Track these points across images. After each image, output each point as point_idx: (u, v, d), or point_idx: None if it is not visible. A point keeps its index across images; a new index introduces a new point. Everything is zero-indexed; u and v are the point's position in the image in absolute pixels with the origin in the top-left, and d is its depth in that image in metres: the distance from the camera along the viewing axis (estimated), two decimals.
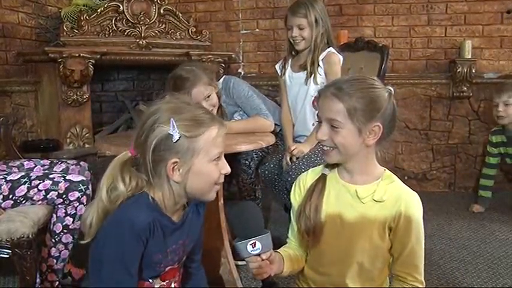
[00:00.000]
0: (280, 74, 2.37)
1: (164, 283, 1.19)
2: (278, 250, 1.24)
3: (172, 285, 1.22)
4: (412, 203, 1.16)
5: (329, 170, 1.24)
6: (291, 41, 2.24)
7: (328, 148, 1.17)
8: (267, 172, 2.21)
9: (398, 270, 1.18)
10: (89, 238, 1.10)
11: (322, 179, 1.23)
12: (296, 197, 1.28)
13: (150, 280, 1.16)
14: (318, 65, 2.19)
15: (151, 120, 1.08)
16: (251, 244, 1.08)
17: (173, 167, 1.07)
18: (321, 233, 1.20)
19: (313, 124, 2.24)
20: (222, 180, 1.15)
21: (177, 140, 1.05)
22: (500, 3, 3.28)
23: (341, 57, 2.22)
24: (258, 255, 1.09)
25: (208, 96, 1.98)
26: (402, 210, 1.14)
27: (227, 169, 1.14)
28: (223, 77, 2.23)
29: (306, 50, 2.23)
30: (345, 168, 1.20)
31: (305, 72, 2.23)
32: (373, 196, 1.15)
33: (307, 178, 1.28)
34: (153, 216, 1.09)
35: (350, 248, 1.17)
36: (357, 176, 1.19)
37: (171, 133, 1.05)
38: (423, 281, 1.17)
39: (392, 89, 1.16)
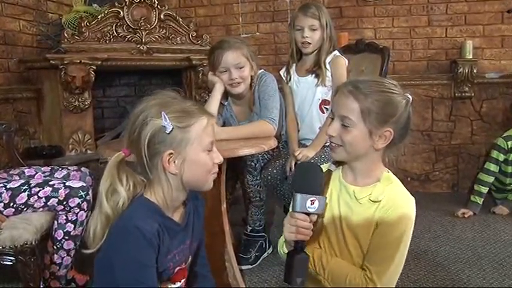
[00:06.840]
0: (286, 81, 2.37)
1: (174, 286, 1.19)
2: None
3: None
4: (403, 205, 1.14)
5: (335, 167, 1.24)
6: (299, 43, 2.24)
7: (335, 145, 1.17)
8: (269, 177, 2.20)
9: (364, 262, 1.14)
10: (93, 247, 1.10)
11: (327, 174, 1.23)
12: None
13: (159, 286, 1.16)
14: (325, 67, 2.20)
15: (142, 116, 1.10)
16: (311, 200, 1.07)
17: (169, 159, 1.09)
18: (321, 228, 1.20)
19: (319, 128, 2.25)
20: (216, 169, 1.17)
21: (171, 131, 1.07)
22: (501, 3, 3.28)
23: (346, 60, 2.26)
24: (308, 214, 1.08)
25: (241, 68, 2.03)
26: (391, 209, 1.12)
27: (220, 158, 1.17)
28: (262, 70, 2.22)
29: (312, 54, 2.24)
30: (350, 168, 1.20)
31: (313, 75, 2.25)
32: (370, 197, 1.15)
33: None
34: (159, 221, 1.10)
35: (345, 246, 1.17)
36: (359, 178, 1.19)
37: (164, 125, 1.07)
38: (377, 284, 1.10)
39: (410, 97, 1.15)
